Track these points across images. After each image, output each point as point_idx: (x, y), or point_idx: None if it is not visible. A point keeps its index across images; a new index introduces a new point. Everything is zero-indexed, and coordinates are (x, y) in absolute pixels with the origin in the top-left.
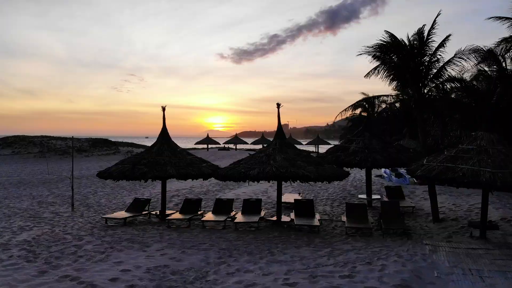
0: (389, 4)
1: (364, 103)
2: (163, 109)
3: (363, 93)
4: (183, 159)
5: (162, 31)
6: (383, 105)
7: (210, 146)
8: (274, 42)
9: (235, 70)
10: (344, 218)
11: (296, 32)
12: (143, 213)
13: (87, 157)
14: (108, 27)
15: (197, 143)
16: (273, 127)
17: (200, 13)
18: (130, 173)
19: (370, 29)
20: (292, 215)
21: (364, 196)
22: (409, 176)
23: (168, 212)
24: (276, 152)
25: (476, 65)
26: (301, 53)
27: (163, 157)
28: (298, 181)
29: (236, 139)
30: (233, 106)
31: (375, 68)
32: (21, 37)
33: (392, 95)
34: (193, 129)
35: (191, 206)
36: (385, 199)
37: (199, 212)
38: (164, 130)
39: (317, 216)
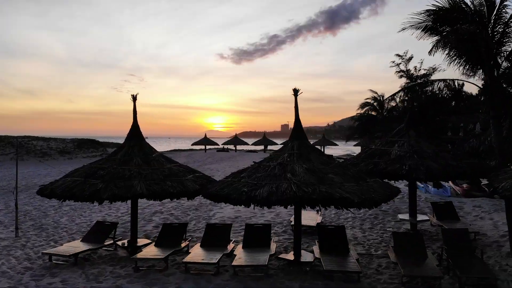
0: (389, 5)
1: (380, 101)
2: (134, 98)
3: (371, 90)
4: (160, 168)
5: (162, 31)
6: (393, 103)
7: (208, 147)
8: (274, 42)
9: (235, 70)
10: (392, 256)
11: (296, 32)
12: (106, 243)
13: (70, 160)
14: (108, 27)
15: (194, 143)
16: (274, 127)
17: (200, 13)
18: (79, 190)
19: (369, 29)
20: (316, 250)
21: (405, 216)
22: (450, 186)
23: (140, 241)
24: (295, 160)
25: None
26: (301, 53)
27: (130, 166)
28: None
29: (236, 139)
30: (233, 106)
31: (438, 42)
32: (21, 37)
33: (404, 89)
34: (193, 129)
35: (172, 234)
36: (434, 220)
37: (182, 244)
38: (134, 127)
39: (353, 254)
